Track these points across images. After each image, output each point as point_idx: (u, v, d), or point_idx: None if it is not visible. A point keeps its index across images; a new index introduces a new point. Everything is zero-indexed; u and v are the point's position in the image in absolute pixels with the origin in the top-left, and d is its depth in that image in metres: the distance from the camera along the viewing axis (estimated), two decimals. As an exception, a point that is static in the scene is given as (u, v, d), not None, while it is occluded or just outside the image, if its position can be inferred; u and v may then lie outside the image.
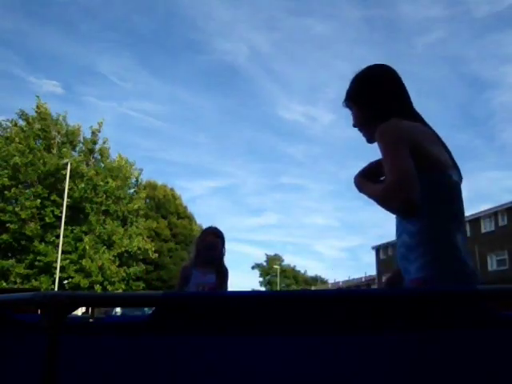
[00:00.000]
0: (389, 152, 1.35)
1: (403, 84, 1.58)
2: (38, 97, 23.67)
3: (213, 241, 3.22)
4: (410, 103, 1.57)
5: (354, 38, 63.54)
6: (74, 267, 21.89)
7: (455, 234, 1.35)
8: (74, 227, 22.79)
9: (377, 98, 1.55)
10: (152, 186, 34.86)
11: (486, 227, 33.06)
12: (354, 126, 1.63)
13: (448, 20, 56.27)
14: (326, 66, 67.90)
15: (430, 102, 59.27)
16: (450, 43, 57.59)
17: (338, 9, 62.33)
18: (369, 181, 1.52)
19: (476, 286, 1.18)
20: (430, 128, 1.51)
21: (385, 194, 1.32)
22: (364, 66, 1.63)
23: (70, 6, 47.07)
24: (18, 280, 21.17)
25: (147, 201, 31.06)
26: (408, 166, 1.29)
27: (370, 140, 1.59)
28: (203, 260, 3.20)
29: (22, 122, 23.03)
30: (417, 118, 1.53)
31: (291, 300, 1.01)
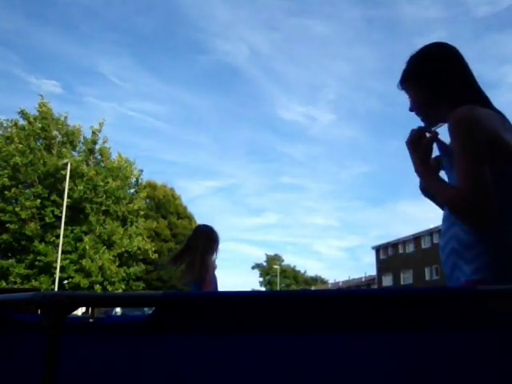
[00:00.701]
0: (465, 151, 1.24)
1: (467, 63, 1.46)
2: (41, 95, 23.70)
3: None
4: (477, 85, 1.44)
5: (354, 38, 63.63)
6: (74, 267, 21.90)
7: None
8: (74, 227, 22.79)
9: (439, 76, 1.42)
10: (152, 186, 34.86)
11: (486, 227, 33.00)
12: (411, 109, 1.51)
13: (448, 20, 56.34)
14: (326, 66, 67.98)
15: (430, 102, 59.05)
16: (450, 43, 57.48)
17: (337, 9, 62.43)
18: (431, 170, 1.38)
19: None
20: (499, 113, 1.39)
21: (456, 203, 1.26)
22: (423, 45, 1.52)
23: (71, 7, 47.20)
24: (18, 280, 21.17)
25: (147, 201, 31.05)
26: (484, 174, 1.21)
27: (431, 124, 1.47)
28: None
29: (22, 122, 23.03)
30: (486, 101, 1.40)
31: (291, 300, 1.01)
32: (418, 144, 1.37)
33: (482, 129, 1.25)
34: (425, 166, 1.36)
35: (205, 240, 3.35)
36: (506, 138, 1.27)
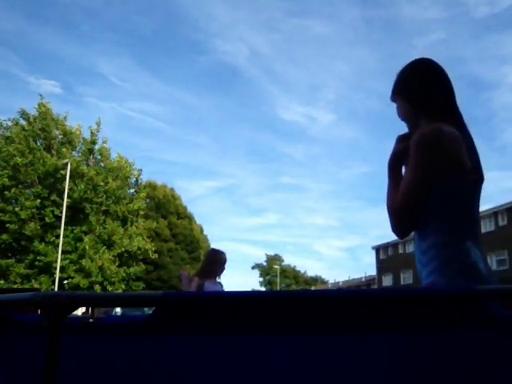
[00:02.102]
0: (414, 167, 1.40)
1: (447, 80, 1.55)
2: (40, 95, 23.71)
3: (226, 259, 4.05)
4: (451, 100, 1.53)
5: (354, 38, 63.63)
6: (74, 267, 21.89)
7: (466, 239, 1.37)
8: (73, 227, 22.79)
9: (420, 92, 1.53)
10: (152, 186, 34.85)
11: (486, 227, 33.04)
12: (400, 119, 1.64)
13: (447, 21, 56.36)
14: (326, 66, 67.99)
15: (429, 102, 59.03)
16: (449, 44, 57.62)
17: (337, 9, 62.43)
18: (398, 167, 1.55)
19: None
20: (463, 127, 1.49)
21: (389, 212, 1.46)
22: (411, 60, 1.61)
23: (71, 7, 47.17)
24: (18, 280, 21.17)
25: (147, 201, 31.04)
26: (420, 193, 1.39)
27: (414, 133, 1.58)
28: (213, 273, 3.96)
29: (23, 122, 23.03)
30: (455, 117, 1.50)
31: (291, 300, 1.01)
32: (397, 168, 1.55)
33: (441, 149, 1.38)
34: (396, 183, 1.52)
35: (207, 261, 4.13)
36: (458, 156, 1.39)
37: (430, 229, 1.41)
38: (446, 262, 1.35)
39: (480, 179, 1.47)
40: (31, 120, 22.93)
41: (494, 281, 1.40)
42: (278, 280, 59.01)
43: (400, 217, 1.43)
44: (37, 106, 23.16)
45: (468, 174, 1.40)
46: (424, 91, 1.53)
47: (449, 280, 1.33)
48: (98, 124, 24.58)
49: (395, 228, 1.45)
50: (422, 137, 1.40)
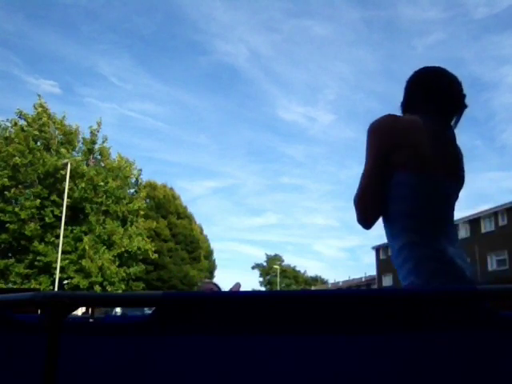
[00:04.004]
0: (366, 156, 1.39)
1: (438, 85, 1.49)
2: (39, 95, 23.69)
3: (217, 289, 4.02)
4: (433, 102, 1.47)
5: (354, 39, 63.63)
6: (74, 267, 21.87)
7: (438, 237, 1.32)
8: (73, 227, 22.77)
9: (407, 93, 1.54)
10: (152, 186, 34.85)
11: (486, 227, 33.03)
12: None
13: (447, 22, 56.37)
14: (326, 66, 68.00)
15: (429, 102, 59.05)
16: (449, 45, 57.64)
17: (337, 10, 62.43)
18: None
19: (463, 285, 1.22)
20: (437, 124, 1.43)
21: (353, 202, 1.43)
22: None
23: (71, 8, 47.19)
24: (18, 280, 21.16)
25: (147, 201, 31.03)
26: (374, 180, 1.37)
27: None
28: None
29: (21, 122, 23.01)
30: (428, 113, 1.45)
31: (291, 300, 1.01)
32: None
33: (393, 136, 1.35)
34: None
35: None
36: (418, 148, 1.33)
37: (399, 227, 1.37)
38: (421, 262, 1.30)
39: (455, 180, 1.42)
40: (29, 120, 22.91)
41: (475, 278, 1.37)
42: (278, 280, 59.00)
43: (359, 207, 1.40)
44: (35, 106, 23.13)
45: (428, 166, 1.33)
46: (411, 92, 1.52)
47: (426, 280, 1.29)
48: (99, 124, 24.59)
49: (358, 218, 1.42)
50: (372, 124, 1.38)
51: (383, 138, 1.36)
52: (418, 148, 1.33)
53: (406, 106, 1.53)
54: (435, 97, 1.47)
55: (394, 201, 1.36)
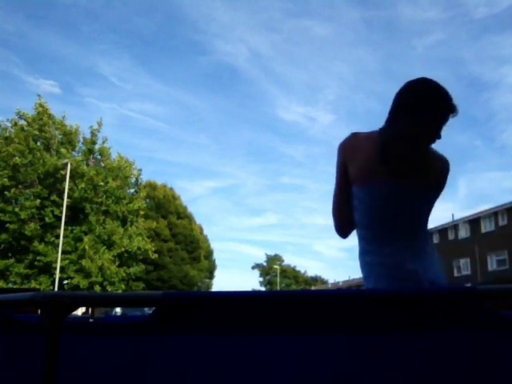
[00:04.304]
0: (336, 173, 1.53)
1: (411, 98, 1.50)
2: (39, 95, 23.68)
3: None
4: (404, 115, 1.49)
5: (354, 39, 63.61)
6: (74, 267, 21.86)
7: (388, 243, 1.40)
8: (73, 227, 22.75)
9: (394, 103, 1.56)
10: (152, 186, 34.85)
11: (486, 227, 33.03)
12: None
13: (447, 22, 56.37)
14: (326, 67, 67.99)
15: (429, 102, 59.06)
16: (449, 45, 57.65)
17: (337, 10, 62.43)
18: None
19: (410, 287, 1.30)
20: (409, 135, 1.45)
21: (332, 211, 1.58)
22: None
23: (71, 8, 47.24)
24: (18, 280, 21.16)
25: (147, 201, 31.01)
26: (337, 194, 1.52)
27: None
28: None
29: (21, 122, 22.99)
30: (391, 126, 1.49)
31: (291, 300, 1.01)
32: None
33: (342, 153, 1.49)
34: None
35: None
36: (366, 163, 1.42)
37: (357, 236, 1.50)
38: (370, 268, 1.42)
39: (417, 189, 1.43)
40: (29, 120, 22.89)
41: (439, 279, 1.38)
42: (278, 280, 58.98)
43: (334, 219, 1.55)
44: (35, 106, 23.13)
45: (375, 179, 1.41)
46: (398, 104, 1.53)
47: (373, 285, 1.39)
48: (99, 124, 24.58)
49: (335, 229, 1.58)
50: (341, 142, 1.52)
51: (340, 155, 1.50)
52: (365, 164, 1.43)
53: (390, 116, 1.54)
54: (425, 106, 1.48)
55: (354, 212, 1.50)
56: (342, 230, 1.57)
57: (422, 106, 1.48)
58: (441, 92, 1.50)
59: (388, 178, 1.40)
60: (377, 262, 1.40)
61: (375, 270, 1.40)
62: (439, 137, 1.52)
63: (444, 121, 1.51)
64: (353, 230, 1.55)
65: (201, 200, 72.22)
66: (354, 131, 1.51)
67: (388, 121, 1.52)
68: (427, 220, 1.48)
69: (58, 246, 21.29)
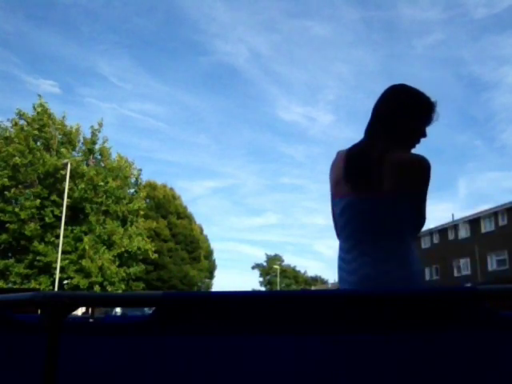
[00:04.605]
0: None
1: (381, 104, 1.61)
2: (39, 95, 23.67)
3: None
4: (377, 123, 1.60)
5: (353, 39, 63.59)
6: (74, 267, 21.86)
7: (350, 249, 1.53)
8: (73, 227, 22.75)
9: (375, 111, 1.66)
10: (152, 186, 34.84)
11: (486, 227, 33.03)
12: None
13: (446, 22, 56.36)
14: (326, 67, 67.99)
15: (429, 103, 59.10)
16: (448, 45, 57.63)
17: (336, 10, 62.40)
18: None
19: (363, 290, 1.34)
20: (363, 148, 1.57)
21: None
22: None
23: (71, 9, 47.24)
24: (18, 280, 21.15)
25: (147, 201, 31.01)
26: (332, 206, 1.65)
27: None
28: None
29: (21, 122, 22.99)
30: (371, 137, 1.59)
31: (291, 300, 1.01)
32: None
33: (331, 171, 1.64)
34: None
35: None
36: (340, 177, 1.57)
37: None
38: (338, 272, 1.58)
39: (380, 196, 1.48)
40: (29, 120, 22.88)
41: (394, 282, 1.43)
42: (278, 280, 58.98)
43: (335, 229, 1.68)
44: (35, 106, 23.12)
45: (343, 193, 1.54)
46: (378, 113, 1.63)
47: (338, 287, 1.58)
48: (100, 124, 24.58)
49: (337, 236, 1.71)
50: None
51: (330, 171, 1.66)
52: (336, 180, 1.59)
53: (367, 128, 1.63)
54: (399, 112, 1.57)
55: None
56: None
57: (396, 114, 1.56)
58: (414, 95, 1.59)
59: (350, 193, 1.52)
60: (341, 266, 1.56)
61: (340, 274, 1.56)
62: (424, 135, 1.60)
63: (424, 121, 1.58)
64: None
65: (201, 200, 72.32)
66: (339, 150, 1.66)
67: (365, 132, 1.63)
68: (406, 223, 1.50)
69: (58, 246, 21.29)
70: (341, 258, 1.57)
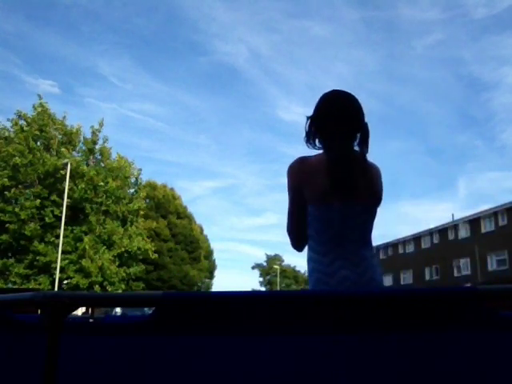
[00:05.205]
0: (288, 195, 1.67)
1: (332, 111, 1.63)
2: (39, 95, 23.68)
3: None
4: (336, 132, 1.61)
5: (353, 39, 63.53)
6: (74, 267, 21.86)
7: (329, 252, 1.58)
8: (73, 227, 22.75)
9: (312, 120, 1.68)
10: (152, 186, 34.84)
11: (486, 227, 33.03)
12: None
13: (446, 22, 56.35)
14: (325, 67, 67.99)
15: (429, 104, 59.32)
16: (448, 45, 57.62)
17: (336, 11, 62.36)
18: None
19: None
20: (342, 149, 1.60)
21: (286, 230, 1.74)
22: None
23: (72, 9, 47.24)
24: (18, 280, 21.16)
25: (147, 201, 31.02)
26: (290, 213, 1.67)
27: None
28: None
29: (21, 122, 22.99)
30: (336, 145, 1.61)
31: (291, 300, 1.01)
32: None
33: (294, 177, 1.63)
34: None
35: None
36: (315, 185, 1.58)
37: (308, 246, 1.66)
38: (312, 273, 1.60)
39: (361, 201, 1.59)
40: (29, 120, 22.89)
41: (369, 285, 1.53)
42: (278, 280, 58.99)
43: (290, 237, 1.71)
44: (35, 106, 23.12)
45: (324, 198, 1.57)
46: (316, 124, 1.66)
47: (311, 288, 1.58)
48: (101, 124, 24.58)
49: (291, 245, 1.74)
50: (288, 166, 1.67)
51: (293, 179, 1.63)
52: (317, 186, 1.58)
53: (315, 132, 1.67)
54: (330, 122, 1.63)
55: (308, 227, 1.65)
56: (299, 246, 1.72)
57: (360, 119, 1.64)
58: (353, 104, 1.67)
59: (336, 200, 1.57)
60: (318, 269, 1.59)
61: (316, 275, 1.59)
62: (367, 146, 1.65)
63: (365, 131, 1.64)
64: (306, 244, 1.69)
65: (201, 200, 72.28)
66: (301, 155, 1.64)
67: (326, 139, 1.64)
68: (370, 228, 1.65)
69: (57, 245, 21.29)
70: (316, 261, 1.61)
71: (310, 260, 1.64)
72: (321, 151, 1.65)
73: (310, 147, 1.67)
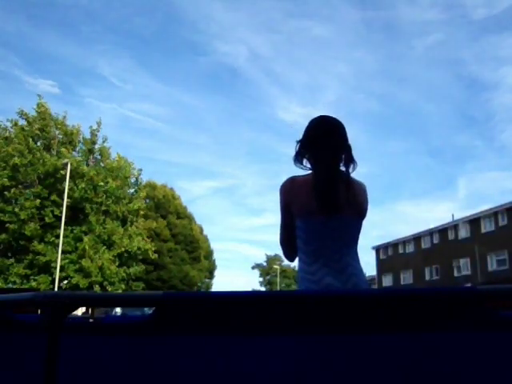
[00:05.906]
0: (280, 210, 1.83)
1: (313, 136, 1.77)
2: (39, 95, 23.69)
3: None
4: (323, 155, 1.73)
5: (353, 40, 63.42)
6: (74, 267, 21.86)
7: (315, 262, 1.71)
8: (73, 227, 22.75)
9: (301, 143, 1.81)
10: (152, 186, 34.83)
11: (486, 227, 33.03)
12: None
13: (446, 22, 56.33)
14: (325, 67, 67.95)
15: (429, 104, 59.31)
16: (448, 45, 57.59)
17: (336, 11, 62.27)
18: None
19: None
20: (328, 171, 1.73)
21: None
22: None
23: (71, 9, 47.25)
24: (18, 280, 21.16)
25: (147, 201, 31.02)
26: (282, 228, 1.84)
27: None
28: None
29: (22, 122, 23.01)
30: (321, 166, 1.74)
31: (291, 300, 1.01)
32: None
33: (285, 195, 1.78)
34: None
35: None
36: (301, 202, 1.73)
37: (298, 258, 1.80)
38: (301, 282, 1.74)
39: (348, 215, 1.72)
40: (30, 120, 22.89)
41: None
42: (278, 280, 58.99)
43: (282, 249, 1.90)
44: (35, 106, 23.13)
45: (311, 214, 1.71)
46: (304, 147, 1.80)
47: None
48: (99, 124, 24.60)
49: (284, 256, 1.93)
50: (281, 185, 1.82)
51: (283, 196, 1.79)
52: (305, 203, 1.73)
53: (303, 154, 1.80)
54: (317, 145, 1.76)
55: (297, 240, 1.79)
56: (290, 257, 1.90)
57: (344, 143, 1.77)
58: (337, 125, 1.79)
59: (322, 215, 1.71)
60: (306, 277, 1.72)
61: (304, 283, 1.72)
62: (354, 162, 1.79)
63: (348, 153, 1.78)
64: (296, 255, 1.84)
65: (201, 200, 72.21)
66: (292, 175, 1.79)
67: (313, 161, 1.77)
68: (356, 238, 1.78)
69: (57, 245, 21.28)
70: (303, 270, 1.75)
71: (299, 270, 1.79)
72: (310, 171, 1.79)
73: (298, 167, 1.81)
